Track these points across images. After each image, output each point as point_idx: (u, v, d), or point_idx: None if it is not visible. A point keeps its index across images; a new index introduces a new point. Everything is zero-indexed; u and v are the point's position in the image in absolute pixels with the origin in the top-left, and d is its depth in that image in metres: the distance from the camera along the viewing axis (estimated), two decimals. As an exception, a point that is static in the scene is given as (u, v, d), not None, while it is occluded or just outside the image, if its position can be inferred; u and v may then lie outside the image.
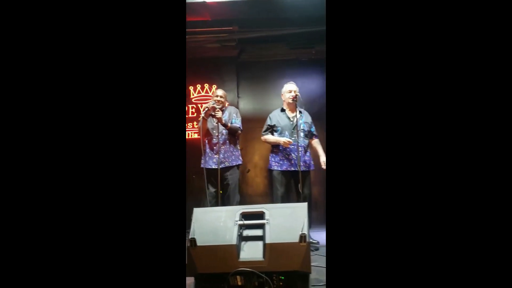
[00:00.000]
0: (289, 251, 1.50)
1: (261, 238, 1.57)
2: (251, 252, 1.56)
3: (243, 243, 1.59)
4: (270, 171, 2.85)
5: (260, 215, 1.63)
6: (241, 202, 3.54)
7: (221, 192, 2.66)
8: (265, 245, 1.53)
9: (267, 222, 1.59)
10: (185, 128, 2.82)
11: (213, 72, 3.76)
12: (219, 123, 2.59)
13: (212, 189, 2.68)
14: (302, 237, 1.52)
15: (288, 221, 1.58)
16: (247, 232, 1.62)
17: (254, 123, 3.23)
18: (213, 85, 3.67)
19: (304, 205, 1.68)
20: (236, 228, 1.58)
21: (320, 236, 2.78)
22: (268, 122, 2.78)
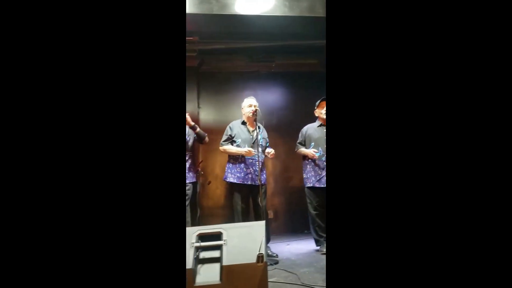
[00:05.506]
0: (246, 272, 1.51)
1: (218, 259, 1.56)
2: (208, 275, 1.54)
3: (199, 266, 1.57)
4: (226, 183, 2.83)
5: (217, 236, 1.63)
6: (202, 215, 3.51)
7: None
8: (222, 267, 1.52)
9: (224, 243, 1.59)
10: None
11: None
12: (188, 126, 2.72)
13: None
14: (260, 257, 1.54)
15: (245, 241, 1.59)
16: (203, 254, 1.60)
17: (215, 135, 3.20)
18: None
19: (262, 223, 1.70)
20: (192, 251, 1.56)
21: (278, 248, 2.82)
22: (229, 132, 2.72)
